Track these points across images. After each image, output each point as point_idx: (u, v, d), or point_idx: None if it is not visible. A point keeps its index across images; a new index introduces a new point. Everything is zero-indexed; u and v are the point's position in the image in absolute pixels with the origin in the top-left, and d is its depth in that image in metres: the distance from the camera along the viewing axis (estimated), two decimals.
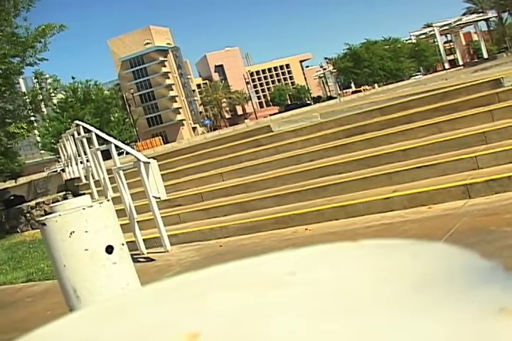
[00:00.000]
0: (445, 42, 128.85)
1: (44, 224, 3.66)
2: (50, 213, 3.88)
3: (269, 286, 0.47)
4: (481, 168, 6.55)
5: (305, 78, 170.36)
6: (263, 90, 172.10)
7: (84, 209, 3.69)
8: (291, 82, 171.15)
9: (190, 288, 0.50)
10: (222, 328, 0.41)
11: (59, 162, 49.60)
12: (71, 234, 3.61)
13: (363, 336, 0.39)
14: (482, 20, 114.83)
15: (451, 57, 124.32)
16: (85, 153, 12.92)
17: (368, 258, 0.52)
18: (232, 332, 0.40)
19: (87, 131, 11.91)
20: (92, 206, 3.73)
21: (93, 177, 12.30)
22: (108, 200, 3.94)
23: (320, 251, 0.55)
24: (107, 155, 10.33)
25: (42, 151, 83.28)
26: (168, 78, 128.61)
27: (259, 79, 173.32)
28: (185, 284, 0.52)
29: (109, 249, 3.73)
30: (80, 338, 0.44)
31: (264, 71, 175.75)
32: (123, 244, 3.86)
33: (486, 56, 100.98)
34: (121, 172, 8.23)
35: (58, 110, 65.49)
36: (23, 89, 23.36)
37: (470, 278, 0.45)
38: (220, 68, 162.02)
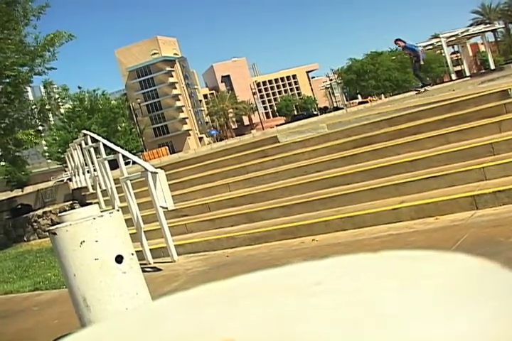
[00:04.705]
0: (452, 53, 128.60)
1: (55, 234, 3.67)
2: (57, 222, 3.89)
3: (297, 295, 0.48)
4: (488, 179, 6.53)
5: (311, 89, 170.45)
6: (270, 101, 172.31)
7: (94, 218, 3.71)
8: (298, 93, 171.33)
9: (220, 296, 0.51)
10: (255, 335, 0.42)
11: (65, 171, 49.66)
12: (81, 243, 3.62)
13: None
14: (489, 31, 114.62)
15: (458, 68, 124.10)
16: (92, 163, 12.96)
17: (390, 268, 0.53)
18: (266, 339, 0.41)
19: (94, 140, 11.95)
20: (102, 216, 3.74)
21: (100, 187, 12.33)
22: (118, 210, 3.95)
23: (342, 262, 0.56)
24: (113, 164, 10.35)
25: (49, 161, 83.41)
26: (175, 88, 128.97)
27: (266, 89, 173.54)
28: (215, 293, 0.52)
29: (119, 259, 3.74)
30: None
31: (270, 81, 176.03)
32: (132, 254, 3.87)
33: (492, 67, 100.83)
34: (128, 182, 8.25)
35: (65, 120, 65.62)
36: (31, 98, 23.40)
37: (492, 287, 0.47)
38: (226, 78, 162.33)
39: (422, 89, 18.91)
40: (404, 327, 0.42)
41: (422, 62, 19.25)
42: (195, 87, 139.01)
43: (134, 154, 9.97)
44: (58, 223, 3.91)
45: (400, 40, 19.33)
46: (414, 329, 0.41)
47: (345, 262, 0.56)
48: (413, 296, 0.46)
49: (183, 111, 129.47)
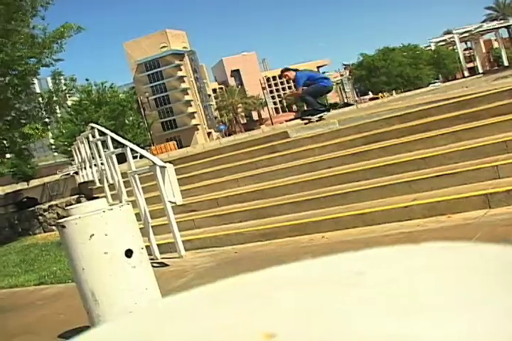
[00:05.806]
0: (465, 50, 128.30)
1: (63, 227, 3.62)
2: (63, 216, 3.84)
3: (337, 286, 0.47)
4: (502, 177, 6.45)
5: None
6: (279, 96, 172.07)
7: (104, 211, 3.66)
8: None
9: (254, 288, 0.50)
10: (296, 327, 0.41)
11: (72, 165, 49.70)
12: (91, 236, 3.57)
13: (438, 334, 0.39)
14: (503, 27, 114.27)
15: (471, 64, 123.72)
16: (100, 156, 12.88)
17: (432, 259, 0.53)
18: (307, 332, 0.40)
19: (102, 133, 11.87)
20: (112, 209, 3.70)
21: (107, 181, 12.27)
22: (128, 204, 3.89)
23: (383, 253, 0.56)
24: (120, 158, 10.29)
25: (55, 154, 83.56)
26: (184, 82, 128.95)
27: (276, 84, 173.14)
28: (248, 284, 0.51)
29: (129, 253, 3.69)
30: (147, 336, 0.44)
31: (280, 76, 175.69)
32: (142, 248, 3.83)
33: (506, 64, 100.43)
34: (136, 176, 8.20)
35: (72, 112, 65.75)
36: (38, 90, 23.35)
37: None
38: (236, 73, 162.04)
39: (315, 118, 12.41)
40: (444, 320, 0.41)
41: (295, 90, 13.24)
42: (204, 81, 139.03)
43: (142, 148, 9.85)
44: (64, 216, 3.86)
45: (287, 69, 13.22)
46: (454, 322, 0.40)
47: (385, 253, 0.56)
48: (457, 288, 0.45)
49: (191, 106, 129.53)
